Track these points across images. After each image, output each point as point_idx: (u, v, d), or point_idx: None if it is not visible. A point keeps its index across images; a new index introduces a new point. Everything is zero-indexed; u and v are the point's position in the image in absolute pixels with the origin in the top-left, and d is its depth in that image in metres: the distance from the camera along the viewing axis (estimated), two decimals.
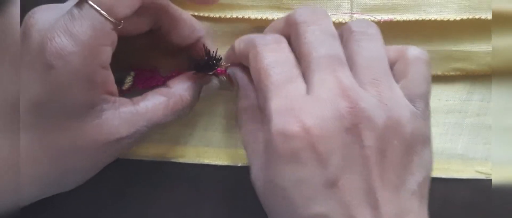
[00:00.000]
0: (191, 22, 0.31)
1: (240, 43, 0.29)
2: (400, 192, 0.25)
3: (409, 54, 0.28)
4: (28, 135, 0.26)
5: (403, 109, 0.26)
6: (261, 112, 0.28)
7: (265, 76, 0.27)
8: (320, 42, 0.27)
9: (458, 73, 0.34)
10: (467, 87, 0.34)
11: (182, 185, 0.34)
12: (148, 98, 0.29)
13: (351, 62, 0.27)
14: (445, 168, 0.33)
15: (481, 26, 0.32)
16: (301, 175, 0.25)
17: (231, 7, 0.33)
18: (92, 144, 0.27)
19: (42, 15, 0.26)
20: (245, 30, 0.33)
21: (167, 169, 0.34)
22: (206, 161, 0.34)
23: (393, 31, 0.32)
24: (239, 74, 0.31)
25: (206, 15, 0.33)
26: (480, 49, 0.33)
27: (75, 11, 0.26)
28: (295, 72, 0.27)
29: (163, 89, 0.30)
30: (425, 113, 0.27)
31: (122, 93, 0.30)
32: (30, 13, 0.27)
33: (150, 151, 0.34)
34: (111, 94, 0.27)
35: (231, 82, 0.32)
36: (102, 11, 0.26)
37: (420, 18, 0.32)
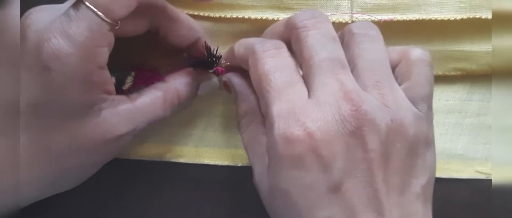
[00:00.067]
0: (189, 23, 0.31)
1: (239, 47, 0.29)
2: (404, 195, 0.25)
3: (411, 56, 0.28)
4: (26, 136, 0.26)
5: (406, 111, 0.26)
6: (264, 117, 0.28)
7: (266, 82, 0.26)
8: (321, 45, 0.27)
9: (458, 73, 0.34)
10: (467, 87, 0.34)
11: (182, 185, 0.34)
12: (145, 94, 0.29)
13: (352, 65, 0.27)
14: (445, 168, 0.34)
15: (481, 25, 0.32)
16: (304, 180, 0.25)
17: (231, 7, 0.33)
18: (92, 143, 0.27)
19: (39, 16, 0.26)
20: (246, 30, 0.33)
21: (167, 169, 0.34)
22: (206, 161, 0.34)
23: (393, 31, 0.32)
24: (235, 80, 0.31)
25: (206, 14, 0.33)
26: (481, 49, 0.33)
27: (72, 12, 0.26)
28: (296, 76, 0.27)
29: (159, 84, 0.30)
30: (428, 115, 0.27)
31: (122, 93, 0.30)
32: (26, 13, 0.27)
33: (150, 151, 0.34)
34: (109, 93, 0.27)
35: (227, 88, 0.32)
36: (98, 12, 0.26)
37: (420, 18, 0.32)
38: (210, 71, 0.31)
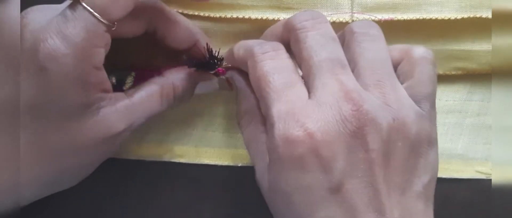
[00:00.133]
0: (187, 26, 0.31)
1: (239, 49, 0.29)
2: (405, 194, 0.25)
3: (414, 54, 0.28)
4: (24, 136, 0.26)
5: (408, 110, 0.26)
6: (265, 119, 0.28)
7: (265, 83, 0.26)
8: (320, 46, 0.26)
9: (459, 72, 0.34)
10: (467, 87, 0.34)
11: (182, 185, 0.34)
12: (142, 89, 0.29)
13: (353, 64, 0.27)
14: (445, 168, 0.33)
15: (481, 25, 0.32)
16: (305, 181, 0.25)
17: (231, 7, 0.33)
18: (91, 142, 0.27)
19: (35, 16, 0.26)
20: (246, 30, 0.33)
21: (167, 169, 0.34)
22: (206, 161, 0.34)
23: (393, 30, 0.32)
24: (237, 77, 0.31)
25: (207, 15, 0.33)
26: (481, 48, 0.33)
27: (68, 12, 0.26)
28: (295, 77, 0.27)
29: (156, 78, 0.30)
30: (430, 114, 0.27)
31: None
32: (23, 13, 0.27)
33: (150, 151, 0.34)
34: (106, 91, 0.27)
35: (230, 85, 0.32)
36: (95, 13, 0.26)
37: (421, 17, 0.32)
38: (211, 72, 0.31)
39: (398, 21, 0.32)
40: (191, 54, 0.32)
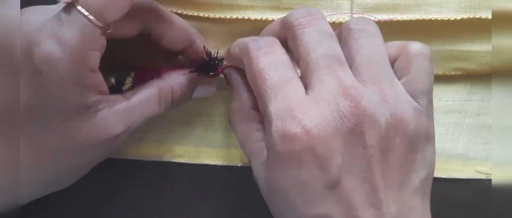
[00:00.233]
0: (183, 26, 0.31)
1: (235, 47, 0.29)
2: (403, 189, 0.25)
3: (411, 50, 0.28)
4: (22, 137, 0.26)
5: (406, 106, 0.26)
6: (255, 115, 0.29)
7: (261, 80, 0.26)
8: (317, 42, 0.26)
9: (458, 72, 0.34)
10: (467, 87, 0.34)
11: (182, 185, 0.34)
12: (140, 91, 0.29)
13: (350, 61, 0.27)
14: (445, 168, 0.34)
15: (481, 25, 0.32)
16: (302, 177, 0.25)
17: (230, 7, 0.33)
18: (89, 144, 0.27)
19: (30, 16, 0.26)
20: (245, 31, 0.33)
21: (167, 169, 0.34)
22: (206, 161, 0.34)
23: (393, 31, 0.32)
24: (234, 75, 0.31)
25: (206, 15, 0.33)
26: (481, 49, 0.33)
27: (63, 15, 0.25)
28: (291, 73, 0.27)
29: (155, 81, 0.30)
30: (428, 109, 0.27)
31: (122, 94, 0.30)
32: None
33: (150, 152, 0.34)
34: (103, 93, 0.27)
35: (228, 83, 0.32)
36: (90, 17, 0.25)
37: (420, 18, 0.32)
38: (212, 73, 0.31)
39: (398, 21, 0.32)
40: (187, 55, 0.32)
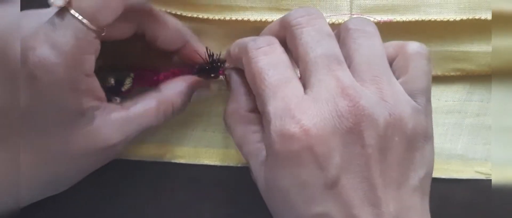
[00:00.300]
0: (177, 27, 0.31)
1: (234, 48, 0.29)
2: (401, 188, 0.25)
3: (409, 49, 0.28)
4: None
5: (404, 105, 0.26)
6: (255, 119, 0.29)
7: (260, 80, 0.26)
8: (316, 42, 0.26)
9: (458, 73, 0.34)
10: (466, 87, 0.34)
11: (182, 185, 0.34)
12: (139, 102, 0.29)
13: (349, 61, 0.27)
14: (445, 168, 0.34)
15: (480, 26, 0.32)
16: (301, 177, 0.25)
17: (230, 8, 0.33)
18: (84, 151, 0.27)
19: (23, 21, 0.26)
20: (245, 31, 0.33)
21: (167, 169, 0.34)
22: (206, 161, 0.34)
23: (392, 32, 0.32)
24: (233, 77, 0.31)
25: (206, 17, 0.33)
26: (480, 50, 0.33)
27: (57, 20, 0.25)
28: (290, 73, 0.27)
29: (154, 93, 0.30)
30: (426, 108, 0.27)
31: (121, 95, 0.30)
32: None
33: (149, 152, 0.34)
34: (100, 100, 0.27)
35: (227, 83, 0.32)
36: (84, 20, 0.25)
37: (420, 19, 0.32)
38: (213, 75, 0.31)
39: (397, 22, 0.33)
40: (181, 56, 0.31)
